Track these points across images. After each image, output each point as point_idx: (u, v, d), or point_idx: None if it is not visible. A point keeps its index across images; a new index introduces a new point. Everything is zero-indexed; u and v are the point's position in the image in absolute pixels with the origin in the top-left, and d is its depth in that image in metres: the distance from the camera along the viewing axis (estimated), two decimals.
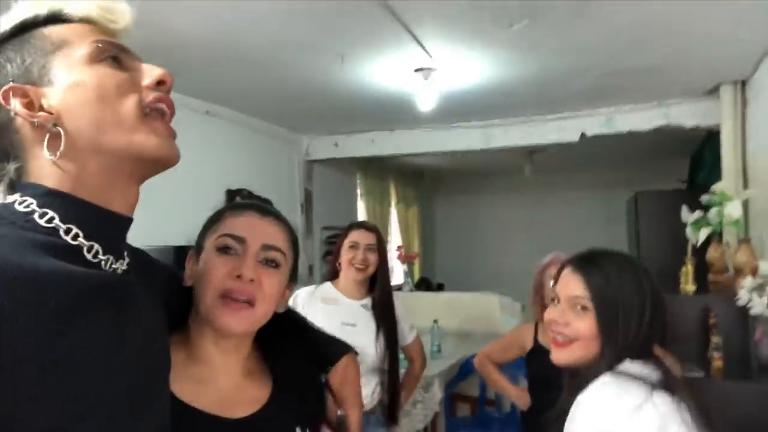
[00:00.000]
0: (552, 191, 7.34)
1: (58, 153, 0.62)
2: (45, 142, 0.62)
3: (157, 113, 0.67)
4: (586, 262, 1.19)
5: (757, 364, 2.39)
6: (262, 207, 0.96)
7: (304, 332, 1.06)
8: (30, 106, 0.63)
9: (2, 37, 0.66)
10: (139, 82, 0.67)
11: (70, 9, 0.67)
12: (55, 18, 0.67)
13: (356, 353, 1.12)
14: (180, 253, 2.87)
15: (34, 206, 0.62)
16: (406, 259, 5.71)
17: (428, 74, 3.13)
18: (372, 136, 4.82)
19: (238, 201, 1.02)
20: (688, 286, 2.80)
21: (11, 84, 0.63)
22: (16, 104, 0.63)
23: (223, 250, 0.88)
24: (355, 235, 2.17)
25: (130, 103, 0.65)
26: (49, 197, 0.63)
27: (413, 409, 3.37)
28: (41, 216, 0.62)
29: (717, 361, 2.41)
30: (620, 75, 3.32)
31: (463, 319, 4.40)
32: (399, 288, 5.45)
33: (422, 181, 7.56)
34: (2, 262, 0.53)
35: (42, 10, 0.67)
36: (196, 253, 0.93)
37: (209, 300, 0.85)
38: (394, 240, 6.60)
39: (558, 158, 6.02)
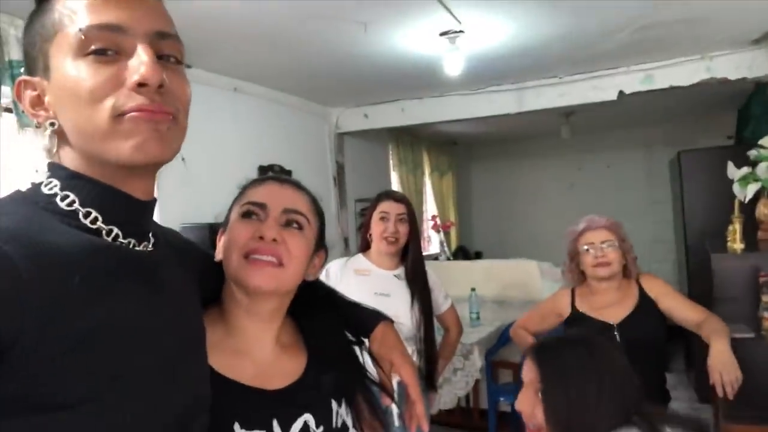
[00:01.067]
0: (591, 152, 7.13)
1: (56, 150, 0.64)
2: (48, 135, 0.63)
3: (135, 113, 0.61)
4: (543, 349, 1.27)
5: None
6: (281, 177, 0.98)
7: (336, 304, 1.06)
8: (38, 98, 0.64)
9: (33, 8, 0.65)
10: (123, 78, 0.61)
11: None
12: None
13: (391, 320, 1.10)
14: (215, 230, 2.91)
15: (57, 189, 0.63)
16: (441, 228, 5.67)
17: (454, 38, 3.04)
18: (401, 105, 4.76)
19: (259, 177, 1.03)
20: (736, 244, 2.70)
21: (23, 77, 0.64)
22: (26, 98, 0.64)
23: (246, 215, 0.90)
24: (384, 206, 2.15)
25: (103, 110, 0.60)
26: (72, 180, 0.64)
27: (453, 376, 3.39)
28: (62, 199, 0.62)
29: (767, 321, 2.32)
30: (658, 28, 3.16)
31: (502, 287, 4.36)
32: (435, 258, 5.43)
33: (456, 148, 7.45)
34: (26, 240, 0.54)
35: None
36: (224, 229, 0.94)
37: (235, 262, 0.86)
38: (430, 210, 6.56)
39: (596, 118, 5.84)
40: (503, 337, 3.65)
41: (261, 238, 0.86)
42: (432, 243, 6.29)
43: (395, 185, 5.80)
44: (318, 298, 1.02)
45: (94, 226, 0.63)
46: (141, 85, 0.60)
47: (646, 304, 2.05)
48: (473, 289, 3.89)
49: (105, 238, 0.64)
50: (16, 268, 0.51)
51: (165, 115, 0.63)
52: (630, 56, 3.77)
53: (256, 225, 0.88)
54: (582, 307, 2.12)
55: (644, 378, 1.99)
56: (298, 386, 0.91)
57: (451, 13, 2.75)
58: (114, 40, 0.61)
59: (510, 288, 4.34)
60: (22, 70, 2.25)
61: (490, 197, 7.93)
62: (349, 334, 1.04)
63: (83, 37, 0.60)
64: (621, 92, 4.05)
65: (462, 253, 6.52)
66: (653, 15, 2.96)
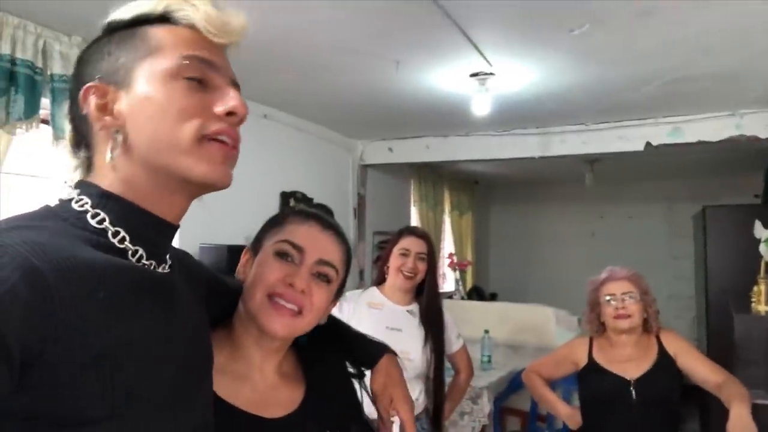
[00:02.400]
0: (614, 202, 7.08)
1: (113, 157, 0.65)
2: (109, 144, 0.65)
3: (215, 141, 0.67)
4: None
5: None
6: (325, 219, 0.97)
7: (341, 336, 1.07)
8: (104, 106, 0.66)
9: (117, 25, 0.68)
10: (210, 107, 0.67)
11: (179, 13, 0.67)
12: (165, 18, 0.68)
13: (395, 353, 1.11)
14: (234, 252, 2.92)
15: (88, 206, 0.65)
16: (457, 267, 5.64)
17: (485, 80, 3.07)
18: (426, 141, 4.79)
19: (303, 208, 1.03)
20: (761, 306, 2.64)
21: (94, 83, 0.66)
22: (91, 102, 0.66)
23: (281, 255, 0.90)
24: (406, 242, 2.14)
25: (189, 128, 0.65)
26: (103, 198, 0.65)
27: (461, 420, 3.31)
28: (93, 216, 0.64)
29: None
30: (688, 82, 3.16)
31: (516, 331, 4.30)
32: (450, 296, 5.39)
33: (477, 188, 7.45)
34: (56, 254, 0.55)
35: (159, 8, 0.68)
36: (253, 250, 0.95)
37: (258, 299, 0.87)
38: (447, 247, 6.53)
39: (621, 168, 5.81)
40: (514, 383, 3.57)
41: (291, 285, 0.87)
42: (447, 280, 6.24)
43: (415, 221, 5.80)
44: (322, 329, 1.01)
45: (121, 246, 0.64)
46: (229, 114, 0.67)
47: (664, 361, 2.00)
48: (486, 331, 3.83)
49: (130, 258, 0.65)
50: (45, 282, 0.52)
51: (235, 150, 0.70)
52: (658, 108, 3.77)
53: (289, 269, 0.89)
54: (599, 358, 2.07)
55: None
56: (296, 416, 0.91)
57: (484, 56, 2.79)
58: (207, 74, 0.67)
59: (524, 332, 4.27)
60: (63, 85, 2.33)
61: (509, 239, 7.88)
62: (350, 367, 1.05)
63: (185, 62, 0.65)
64: (648, 143, 4.04)
65: (477, 293, 6.45)
66: (682, 69, 2.97)
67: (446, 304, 2.26)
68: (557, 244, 7.45)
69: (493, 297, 6.77)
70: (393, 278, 2.15)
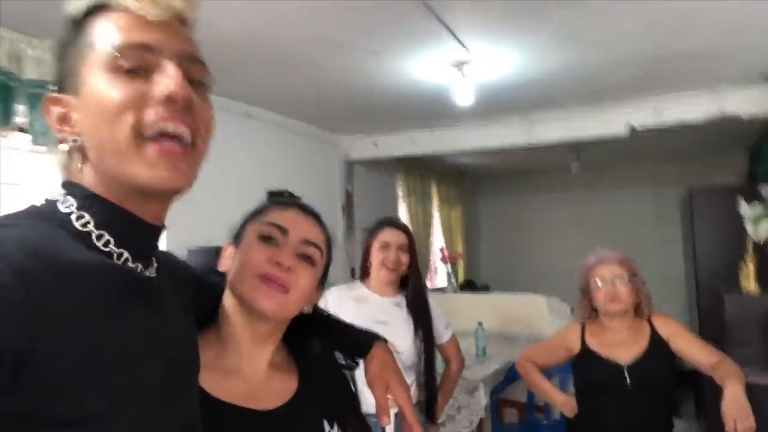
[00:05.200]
0: (600, 189, 7.11)
1: (80, 167, 0.64)
2: (74, 154, 0.64)
3: (158, 140, 0.61)
4: None
5: None
6: (305, 206, 1.00)
7: (330, 328, 1.07)
8: (66, 116, 0.64)
9: (67, 27, 0.66)
10: (151, 96, 0.61)
11: None
12: (103, 5, 0.64)
13: (385, 341, 1.11)
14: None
15: (73, 208, 0.64)
16: (449, 259, 5.63)
17: (465, 68, 3.05)
18: (412, 135, 4.77)
19: (282, 199, 1.04)
20: (750, 285, 2.65)
21: (47, 95, 0.65)
22: (53, 113, 0.64)
23: (266, 238, 0.91)
24: (386, 235, 2.13)
25: (123, 125, 0.60)
26: (88, 200, 0.64)
27: (458, 414, 3.30)
28: (78, 218, 0.63)
29: None
30: (668, 62, 3.16)
31: (509, 322, 4.29)
32: (442, 290, 5.38)
33: (465, 181, 7.45)
34: (45, 253, 0.55)
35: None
36: (235, 241, 0.96)
37: (247, 281, 0.87)
38: (437, 241, 6.52)
39: (606, 155, 5.83)
40: (510, 375, 3.57)
41: (277, 263, 0.88)
42: (439, 275, 6.23)
43: (403, 216, 5.78)
44: (312, 324, 1.02)
45: (105, 249, 0.64)
46: (169, 100, 0.61)
47: (657, 345, 2.00)
48: (480, 323, 3.82)
49: (115, 261, 0.64)
50: (35, 280, 0.52)
51: (186, 146, 0.64)
52: (640, 91, 3.77)
53: (274, 250, 0.90)
54: (592, 344, 2.07)
55: (653, 422, 1.94)
56: (289, 407, 0.91)
57: (460, 42, 2.76)
58: (144, 59, 0.62)
59: (517, 323, 4.27)
60: (38, 90, 2.28)
61: (499, 231, 7.88)
62: (341, 358, 1.05)
63: (115, 54, 0.61)
64: (631, 127, 4.04)
65: (469, 286, 6.45)
66: (661, 50, 2.96)
67: (439, 298, 2.25)
68: (547, 233, 7.47)
69: (485, 289, 6.77)
70: (377, 272, 2.14)
